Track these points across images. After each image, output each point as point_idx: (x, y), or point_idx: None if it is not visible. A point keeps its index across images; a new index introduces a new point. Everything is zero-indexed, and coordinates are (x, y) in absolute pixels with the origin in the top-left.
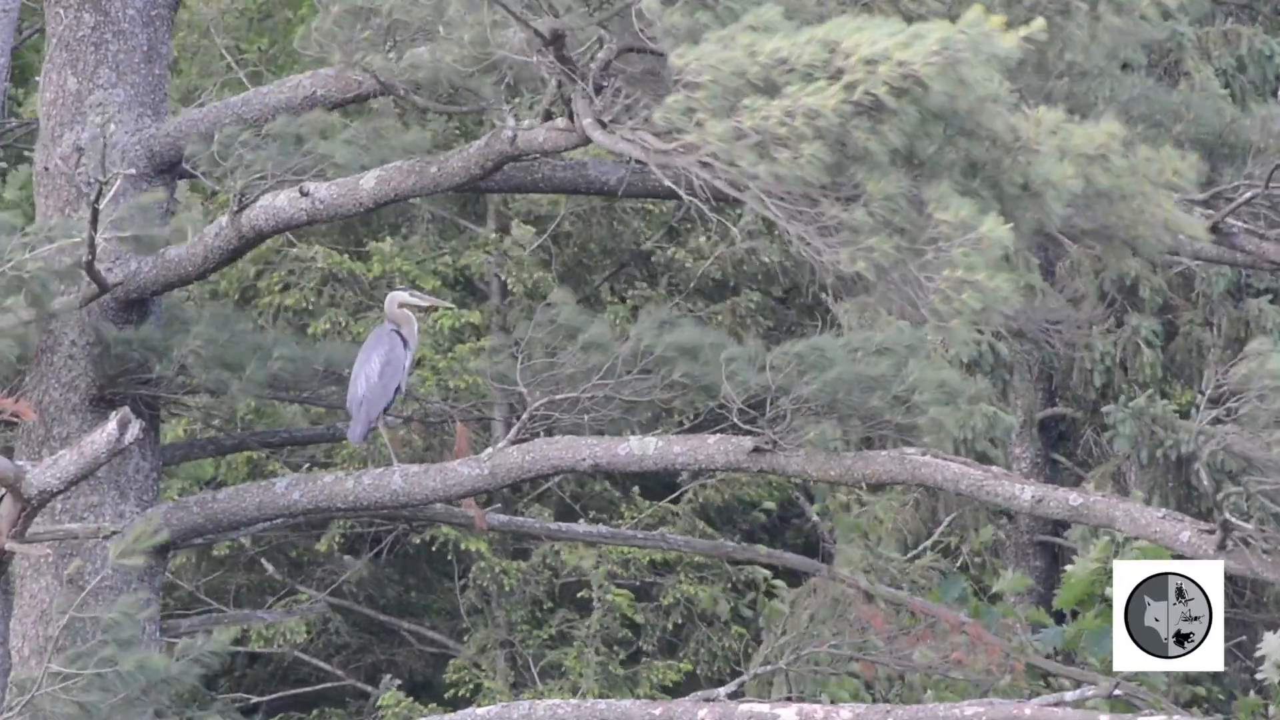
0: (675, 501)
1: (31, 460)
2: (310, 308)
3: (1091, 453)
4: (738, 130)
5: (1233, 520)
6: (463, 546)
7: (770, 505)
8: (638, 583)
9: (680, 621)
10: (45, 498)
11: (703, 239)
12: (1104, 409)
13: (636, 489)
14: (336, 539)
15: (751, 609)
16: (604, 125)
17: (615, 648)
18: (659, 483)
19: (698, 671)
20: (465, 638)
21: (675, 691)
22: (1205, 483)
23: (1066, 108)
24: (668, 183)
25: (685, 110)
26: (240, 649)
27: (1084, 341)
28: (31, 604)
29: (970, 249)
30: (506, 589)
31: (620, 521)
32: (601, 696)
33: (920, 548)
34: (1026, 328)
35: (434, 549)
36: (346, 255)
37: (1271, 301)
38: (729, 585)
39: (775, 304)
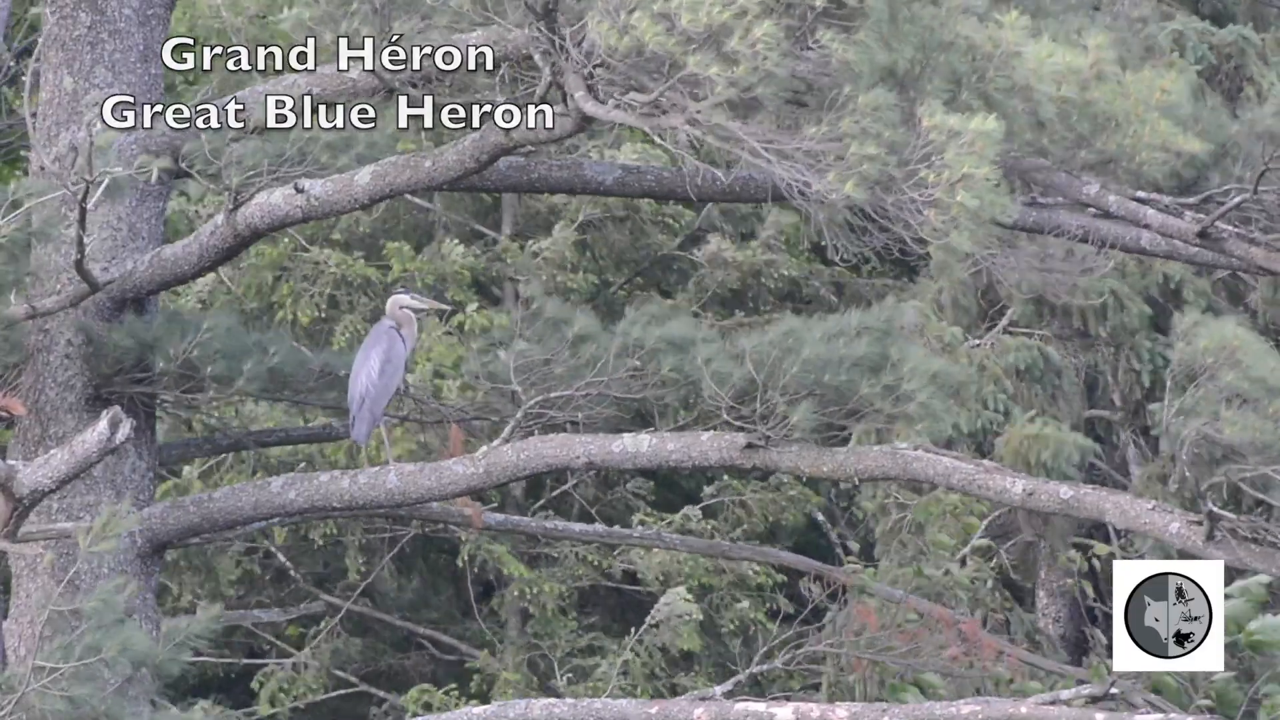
0: (710, 516)
1: (27, 460)
2: (324, 315)
3: (1130, 454)
4: (677, 30)
5: (1218, 510)
6: (506, 572)
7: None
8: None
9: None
10: (37, 497)
11: (725, 243)
12: (1150, 406)
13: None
14: (359, 564)
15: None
16: (596, 97)
17: (663, 666)
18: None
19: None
20: (497, 652)
21: None
22: (1186, 474)
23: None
24: (659, 141)
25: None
26: (256, 660)
27: (1129, 344)
28: (27, 604)
29: (962, 150)
30: (546, 611)
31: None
32: None
33: (960, 554)
34: (1023, 273)
35: (461, 565)
36: (362, 260)
37: None
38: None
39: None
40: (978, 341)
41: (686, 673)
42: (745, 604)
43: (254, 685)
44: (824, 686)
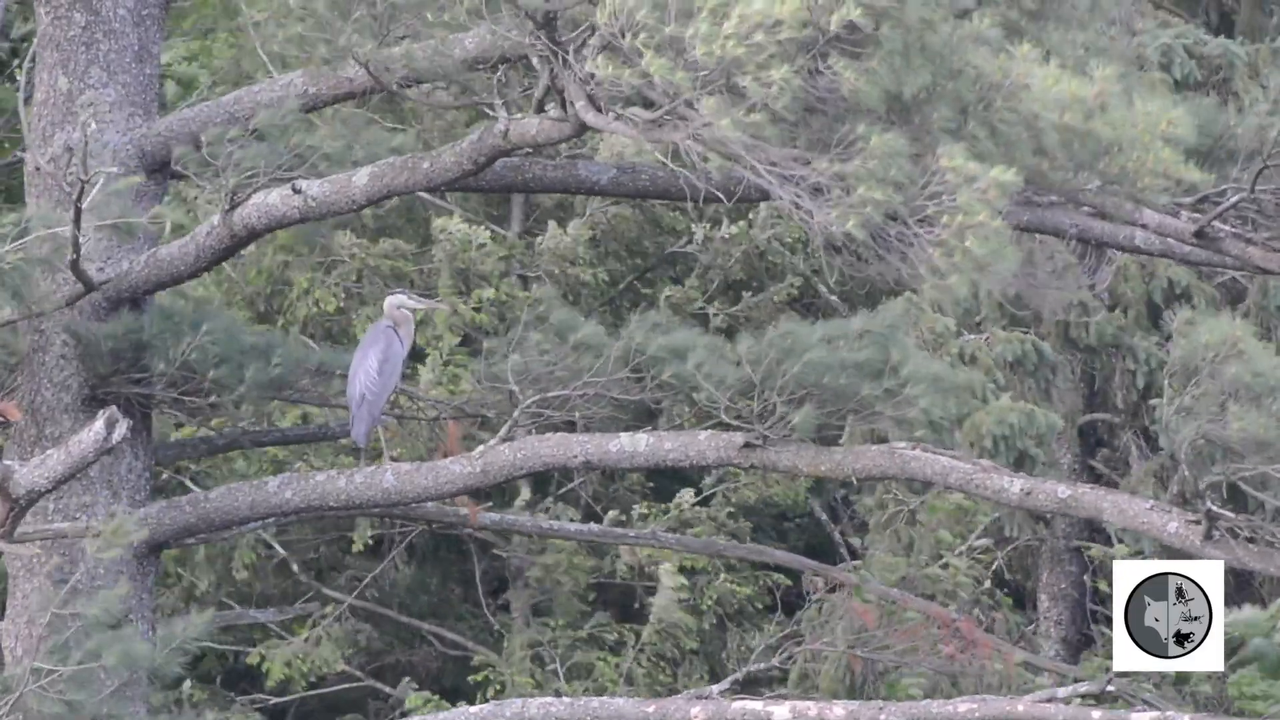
0: (704, 503)
1: (23, 460)
2: (342, 306)
3: (1130, 456)
4: (686, 62)
5: (1216, 510)
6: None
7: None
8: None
9: (715, 621)
10: (34, 497)
11: (730, 229)
12: (1151, 402)
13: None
14: (367, 537)
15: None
16: (597, 107)
17: (663, 663)
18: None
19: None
20: (504, 640)
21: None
22: (1185, 473)
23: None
24: (659, 156)
25: (626, 28)
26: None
27: (1127, 345)
28: (23, 604)
29: (975, 195)
30: (560, 581)
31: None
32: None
33: (953, 553)
34: (1024, 291)
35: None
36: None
37: None
38: (760, 587)
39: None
40: (970, 336)
41: (684, 660)
42: (725, 577)
43: (254, 660)
44: (793, 674)
